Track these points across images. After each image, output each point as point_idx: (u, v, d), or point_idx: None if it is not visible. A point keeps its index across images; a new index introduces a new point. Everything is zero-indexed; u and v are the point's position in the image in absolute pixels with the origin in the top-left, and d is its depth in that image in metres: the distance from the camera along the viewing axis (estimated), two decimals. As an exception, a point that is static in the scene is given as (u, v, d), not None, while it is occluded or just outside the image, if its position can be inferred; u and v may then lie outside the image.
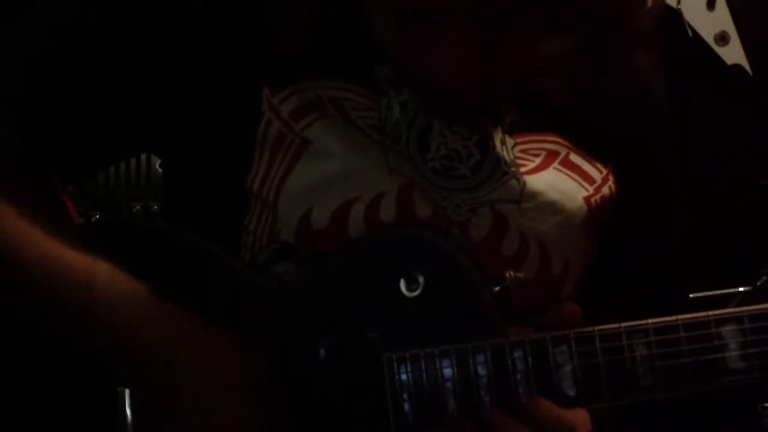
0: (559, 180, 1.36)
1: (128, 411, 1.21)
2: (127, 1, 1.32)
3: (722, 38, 2.56)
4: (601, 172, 1.38)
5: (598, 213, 1.38)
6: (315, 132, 1.30)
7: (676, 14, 2.56)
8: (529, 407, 1.21)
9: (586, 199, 1.37)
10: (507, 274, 1.29)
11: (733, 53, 2.57)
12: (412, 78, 1.30)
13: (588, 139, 1.38)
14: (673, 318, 1.18)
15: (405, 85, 1.31)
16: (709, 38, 2.57)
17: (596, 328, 1.21)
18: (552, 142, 1.37)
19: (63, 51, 1.31)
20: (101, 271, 1.24)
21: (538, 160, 1.36)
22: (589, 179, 1.38)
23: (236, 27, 1.30)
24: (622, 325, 1.20)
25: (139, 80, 1.31)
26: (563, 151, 1.37)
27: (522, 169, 1.35)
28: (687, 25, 2.56)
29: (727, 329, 1.18)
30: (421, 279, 1.26)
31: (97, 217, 2.63)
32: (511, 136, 1.36)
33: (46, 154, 1.33)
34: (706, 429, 2.28)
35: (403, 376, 1.24)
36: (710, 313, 1.18)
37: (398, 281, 1.27)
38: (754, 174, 2.54)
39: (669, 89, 2.54)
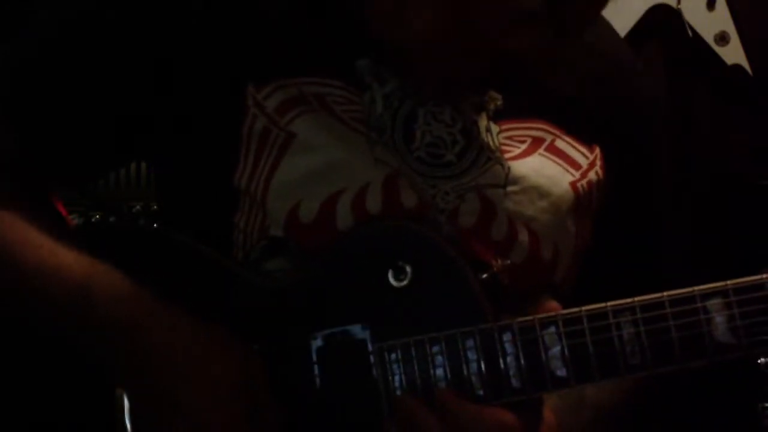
0: (545, 165, 1.36)
1: (126, 412, 1.21)
2: (123, 6, 1.32)
3: (722, 38, 2.57)
4: (587, 158, 1.38)
5: (585, 198, 1.38)
6: (300, 126, 1.30)
7: (676, 14, 2.56)
8: (444, 400, 1.21)
9: (573, 184, 1.37)
10: (493, 261, 1.29)
11: (733, 53, 2.57)
12: (393, 49, 1.29)
13: (572, 125, 1.38)
14: (659, 295, 1.18)
15: (388, 70, 1.32)
16: (709, 38, 2.57)
17: (583, 308, 1.21)
18: (538, 128, 1.37)
19: (58, 52, 1.31)
20: (98, 274, 1.24)
21: (523, 147, 1.36)
22: (575, 165, 1.38)
23: (225, 25, 1.30)
24: (609, 304, 1.20)
25: (134, 83, 1.31)
26: (549, 138, 1.37)
27: (507, 155, 1.35)
28: (687, 25, 2.56)
29: (713, 303, 1.18)
30: (408, 269, 1.26)
31: (97, 217, 2.63)
32: (496, 122, 1.36)
33: (42, 159, 1.33)
34: (706, 429, 2.28)
35: (394, 365, 1.24)
36: (695, 288, 1.18)
37: (386, 272, 1.27)
38: (754, 174, 2.54)
39: (669, 89, 2.56)
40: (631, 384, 1.33)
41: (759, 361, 2.05)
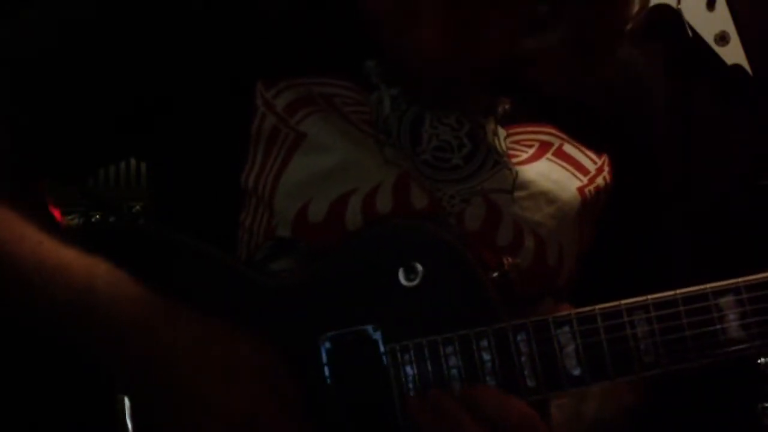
0: (552, 170, 1.36)
1: (128, 418, 1.21)
2: (124, 3, 1.31)
3: (722, 38, 2.57)
4: (595, 163, 1.38)
5: (592, 203, 1.38)
6: (310, 125, 1.30)
7: (676, 14, 2.56)
8: (472, 394, 1.22)
9: (580, 189, 1.37)
10: (505, 260, 1.29)
11: (733, 53, 2.57)
12: (397, 58, 1.29)
13: (582, 130, 1.39)
14: (672, 293, 1.20)
15: (393, 74, 1.32)
16: (709, 38, 2.57)
17: (597, 306, 1.22)
18: (545, 133, 1.37)
19: (58, 50, 1.30)
20: (101, 272, 1.23)
21: (531, 151, 1.36)
22: (583, 170, 1.38)
23: (230, 24, 1.30)
24: (622, 302, 1.21)
25: (135, 80, 1.30)
26: (557, 142, 1.37)
27: (514, 160, 1.35)
28: (687, 25, 2.56)
29: (726, 300, 1.20)
30: (419, 268, 1.26)
31: (97, 217, 2.63)
32: (503, 127, 1.36)
33: (38, 156, 1.32)
34: (706, 429, 2.28)
35: (407, 366, 1.24)
36: (708, 285, 1.19)
37: (397, 272, 1.26)
38: (754, 174, 2.54)
39: (669, 89, 2.56)
40: (631, 394, 1.34)
41: (759, 361, 2.05)
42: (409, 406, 1.23)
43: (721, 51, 2.58)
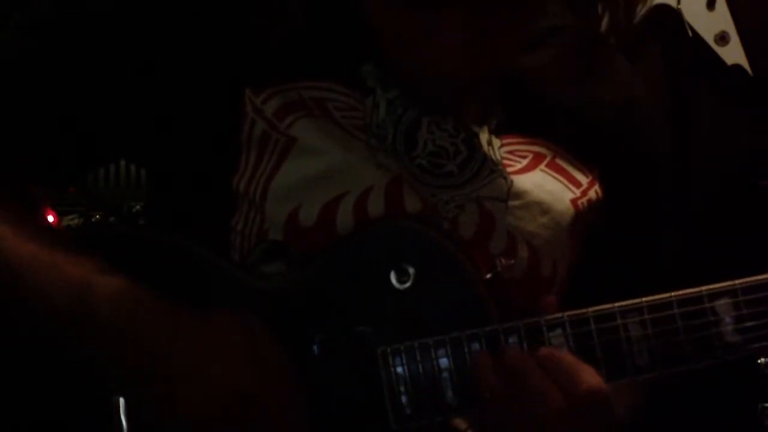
0: (546, 181, 1.36)
1: (123, 418, 1.21)
2: (116, 6, 1.31)
3: (722, 38, 2.57)
4: (587, 176, 1.39)
5: (584, 216, 1.38)
6: (300, 129, 1.30)
7: (676, 14, 2.56)
8: (549, 354, 1.20)
9: (573, 201, 1.37)
10: (498, 261, 1.29)
11: (733, 53, 2.57)
12: (403, 67, 1.29)
13: (573, 145, 1.39)
14: (667, 295, 1.19)
15: (393, 78, 1.31)
16: (709, 38, 2.57)
17: (590, 309, 1.21)
18: (538, 144, 1.37)
19: (43, 52, 1.30)
20: (97, 272, 1.24)
21: (525, 162, 1.36)
22: (576, 182, 1.38)
23: (220, 28, 1.30)
24: (616, 304, 1.20)
25: (124, 84, 1.30)
26: (549, 154, 1.38)
27: (509, 169, 1.35)
28: (687, 25, 2.56)
29: (721, 303, 1.19)
30: (411, 270, 1.26)
31: (97, 217, 2.64)
32: (497, 136, 1.36)
33: (22, 160, 1.32)
34: (706, 429, 2.28)
35: (399, 369, 1.24)
36: (703, 288, 1.18)
37: (388, 274, 1.26)
38: (754, 174, 2.54)
39: (669, 89, 2.56)
40: (630, 393, 1.34)
41: (759, 361, 2.05)
42: (480, 365, 1.21)
43: (721, 51, 2.57)
